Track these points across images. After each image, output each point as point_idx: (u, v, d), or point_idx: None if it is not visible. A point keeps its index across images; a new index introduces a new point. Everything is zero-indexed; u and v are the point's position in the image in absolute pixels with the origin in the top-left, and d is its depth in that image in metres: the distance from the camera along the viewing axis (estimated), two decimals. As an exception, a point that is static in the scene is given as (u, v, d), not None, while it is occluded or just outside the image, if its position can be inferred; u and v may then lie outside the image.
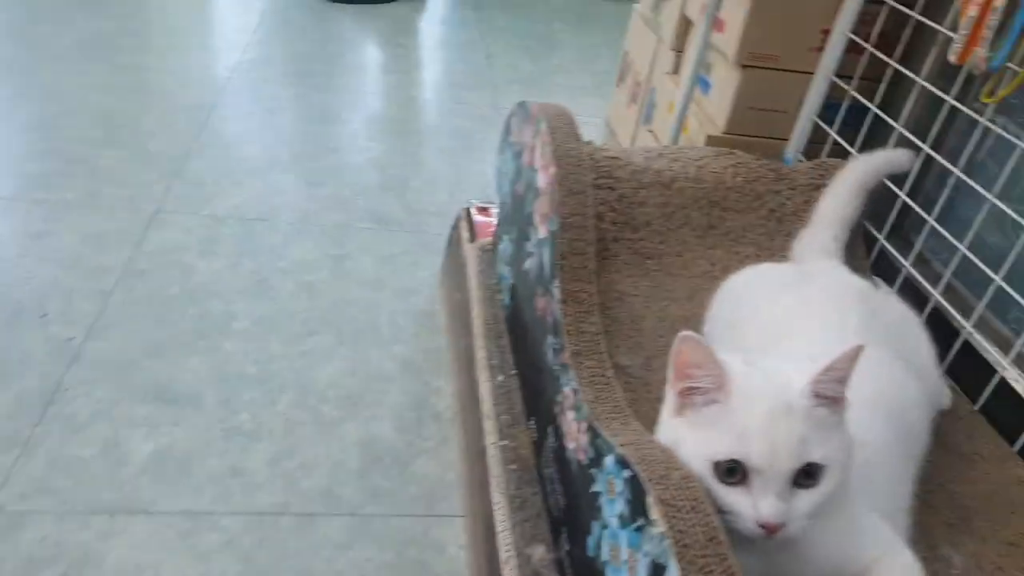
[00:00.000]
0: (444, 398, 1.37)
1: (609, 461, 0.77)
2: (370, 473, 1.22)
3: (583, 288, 1.02)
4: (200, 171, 1.99)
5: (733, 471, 0.66)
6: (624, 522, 0.73)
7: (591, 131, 2.52)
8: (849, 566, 0.71)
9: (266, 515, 1.13)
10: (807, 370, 0.67)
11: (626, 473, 0.73)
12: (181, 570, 1.05)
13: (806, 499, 0.65)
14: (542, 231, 1.08)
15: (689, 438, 0.69)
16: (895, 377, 0.93)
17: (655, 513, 0.66)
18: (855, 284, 1.07)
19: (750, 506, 0.65)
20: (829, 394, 0.66)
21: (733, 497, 0.66)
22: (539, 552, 0.93)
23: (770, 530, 0.64)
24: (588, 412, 0.85)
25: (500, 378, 1.18)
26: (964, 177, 1.21)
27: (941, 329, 1.23)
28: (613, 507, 0.76)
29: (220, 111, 2.34)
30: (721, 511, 0.66)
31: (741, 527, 0.66)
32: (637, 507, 0.69)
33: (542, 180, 1.10)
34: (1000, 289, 1.13)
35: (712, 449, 0.66)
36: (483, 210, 1.55)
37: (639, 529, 0.69)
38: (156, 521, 1.11)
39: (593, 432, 0.83)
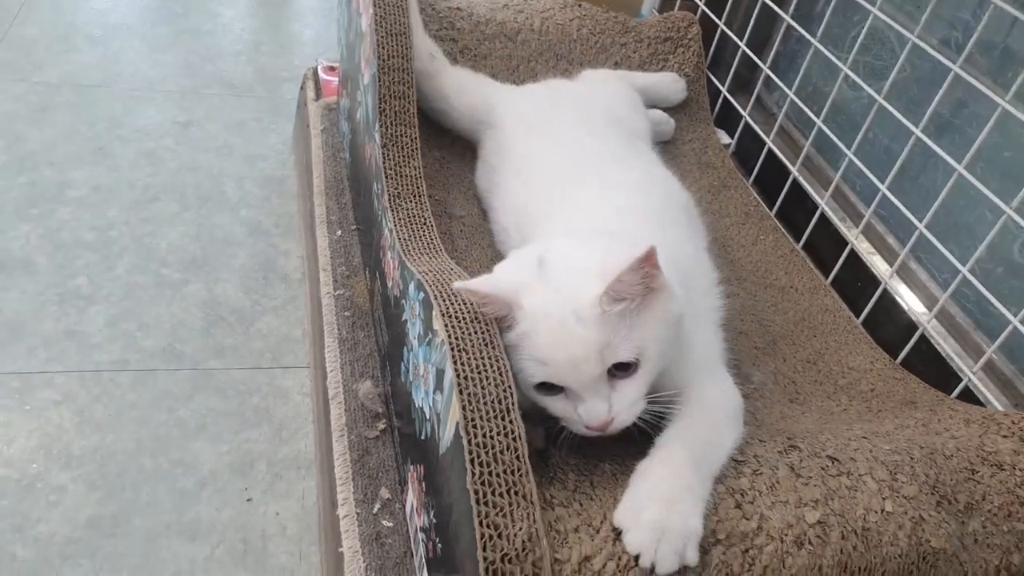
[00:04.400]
0: (293, 260, 1.37)
1: (411, 287, 0.80)
2: (213, 331, 1.22)
3: (405, 132, 1.01)
4: (29, 36, 1.84)
5: (551, 386, 0.66)
6: (420, 340, 0.75)
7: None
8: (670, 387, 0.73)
9: (103, 372, 1.13)
10: (601, 265, 0.64)
11: (421, 295, 0.75)
12: (12, 425, 1.04)
13: (627, 390, 0.65)
14: (366, 76, 1.06)
15: (512, 363, 0.67)
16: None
17: (436, 324, 0.68)
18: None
19: (573, 410, 0.66)
20: (628, 295, 0.64)
21: (559, 406, 0.66)
22: (366, 387, 0.96)
23: (600, 429, 0.65)
24: (399, 247, 0.87)
25: (339, 233, 1.19)
26: (791, 21, 1.24)
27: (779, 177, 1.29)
28: (415, 329, 0.78)
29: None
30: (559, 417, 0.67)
31: (576, 431, 0.67)
32: (428, 323, 0.72)
33: (364, 23, 1.07)
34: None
35: (523, 374, 0.66)
36: (331, 69, 1.49)
37: (429, 343, 0.72)
38: (-18, 382, 1.09)
39: (403, 265, 0.85)
